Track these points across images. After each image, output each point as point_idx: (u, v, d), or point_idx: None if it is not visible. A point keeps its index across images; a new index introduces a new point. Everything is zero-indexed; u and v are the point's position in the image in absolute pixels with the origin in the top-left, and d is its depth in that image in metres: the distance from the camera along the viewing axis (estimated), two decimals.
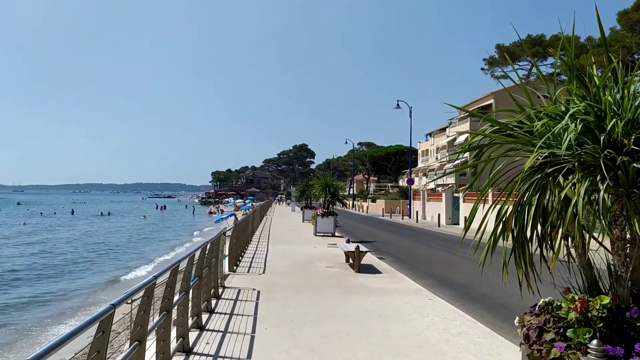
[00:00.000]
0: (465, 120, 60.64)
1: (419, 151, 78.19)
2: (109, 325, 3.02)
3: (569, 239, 3.71)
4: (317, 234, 24.19)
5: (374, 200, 64.45)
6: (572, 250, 3.62)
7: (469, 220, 3.88)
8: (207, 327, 7.34)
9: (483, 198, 3.95)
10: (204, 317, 7.75)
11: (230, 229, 14.29)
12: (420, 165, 76.14)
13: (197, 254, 7.24)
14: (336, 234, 24.43)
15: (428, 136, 77.79)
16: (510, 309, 9.67)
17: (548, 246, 3.79)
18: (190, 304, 7.09)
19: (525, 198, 3.67)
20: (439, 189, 56.52)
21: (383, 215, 49.77)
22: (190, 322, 6.94)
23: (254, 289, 10.44)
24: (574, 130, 3.04)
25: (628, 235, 3.33)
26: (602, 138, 3.05)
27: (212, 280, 8.82)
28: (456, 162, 62.15)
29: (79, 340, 3.21)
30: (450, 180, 59.94)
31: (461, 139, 60.84)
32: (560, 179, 3.28)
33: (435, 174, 65.78)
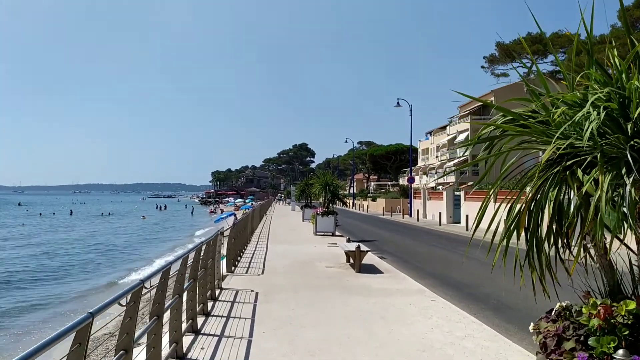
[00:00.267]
0: (466, 119, 60.36)
1: (419, 150, 77.95)
2: (87, 336, 2.75)
3: (587, 238, 3.44)
4: (317, 233, 23.93)
5: (374, 199, 64.19)
6: (592, 251, 3.34)
7: (478, 219, 3.60)
8: (202, 331, 7.06)
9: (493, 194, 3.66)
10: (200, 320, 7.48)
11: (227, 229, 14.01)
12: (420, 163, 75.91)
13: (192, 255, 6.97)
14: (336, 233, 24.17)
15: (428, 135, 77.55)
16: (516, 310, 9.42)
17: (564, 246, 3.52)
18: (185, 307, 6.82)
19: (539, 194, 3.39)
20: (440, 187, 56.29)
21: (383, 214, 49.50)
22: (185, 325, 6.67)
23: (252, 290, 10.16)
24: (597, 118, 2.77)
25: None
26: (627, 127, 2.77)
27: (208, 282, 8.55)
28: (456, 160, 61.88)
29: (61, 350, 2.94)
30: (451, 178, 59.72)
31: (461, 137, 60.62)
32: (579, 172, 3.01)
33: (436, 173, 65.57)
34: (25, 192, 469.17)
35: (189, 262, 6.87)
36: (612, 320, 2.84)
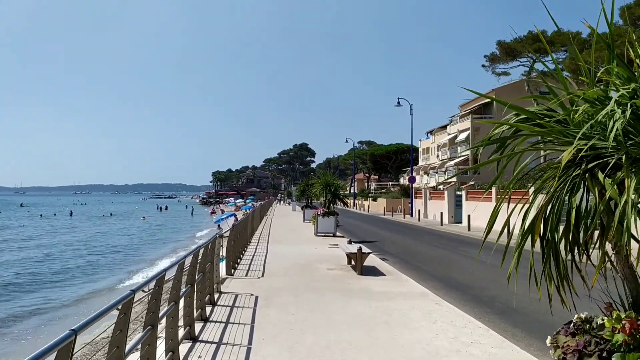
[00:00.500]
0: (467, 118, 60.12)
1: (420, 149, 77.72)
2: (69, 355, 2.53)
3: (606, 245, 3.22)
4: (318, 234, 23.71)
5: (375, 199, 63.94)
6: (613, 258, 3.12)
7: (490, 223, 3.38)
8: (200, 338, 6.84)
9: (506, 197, 3.45)
10: (198, 326, 7.26)
11: (227, 231, 13.79)
12: (421, 163, 75.67)
13: (189, 259, 6.75)
14: (337, 234, 23.95)
15: (429, 134, 77.30)
16: (523, 314, 9.19)
17: (582, 253, 3.29)
18: (182, 313, 6.61)
19: (554, 197, 3.17)
20: (440, 187, 56.04)
21: (384, 214, 49.27)
22: (182, 333, 6.46)
23: (252, 294, 9.94)
24: (622, 117, 2.54)
25: None
26: None
27: (206, 287, 8.32)
28: (457, 159, 61.59)
29: None
30: (452, 178, 59.46)
31: (462, 136, 60.39)
32: (600, 175, 2.79)
33: (437, 172, 65.33)
34: (27, 193, 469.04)
35: (185, 267, 6.65)
36: (638, 336, 2.63)
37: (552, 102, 3.00)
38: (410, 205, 45.72)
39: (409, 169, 63.69)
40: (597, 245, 3.12)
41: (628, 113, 2.57)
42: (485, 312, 9.33)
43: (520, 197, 3.67)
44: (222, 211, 67.44)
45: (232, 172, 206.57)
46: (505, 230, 3.48)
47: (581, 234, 3.17)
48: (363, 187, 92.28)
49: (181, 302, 6.36)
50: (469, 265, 15.83)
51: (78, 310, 16.96)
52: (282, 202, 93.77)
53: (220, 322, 7.79)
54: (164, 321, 5.70)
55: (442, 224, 32.82)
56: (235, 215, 40.29)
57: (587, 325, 3.00)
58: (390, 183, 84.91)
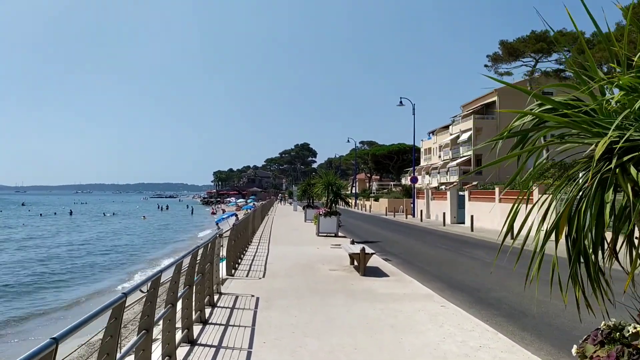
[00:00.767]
0: (469, 118, 59.84)
1: (422, 149, 77.45)
2: None
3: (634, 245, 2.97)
4: (320, 234, 23.46)
5: (376, 199, 63.69)
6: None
7: (509, 224, 3.12)
8: (198, 342, 6.60)
9: (524, 197, 3.20)
10: (196, 329, 7.02)
11: (227, 231, 13.55)
12: (423, 163, 75.38)
13: (187, 260, 6.50)
14: (339, 234, 23.70)
15: (431, 134, 77.00)
16: (530, 317, 8.94)
17: (609, 255, 3.05)
18: (179, 316, 6.36)
19: (579, 194, 2.93)
20: (443, 187, 55.73)
21: (386, 215, 49.01)
22: (179, 336, 6.22)
23: (252, 295, 9.70)
24: None
25: None
26: None
27: (206, 288, 8.08)
28: (459, 160, 61.26)
29: None
30: (454, 178, 59.18)
31: (465, 136, 60.10)
32: (633, 170, 2.54)
33: (439, 173, 65.02)
34: (28, 192, 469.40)
35: (184, 268, 6.41)
36: None
37: (583, 89, 2.75)
38: (412, 205, 45.44)
39: (411, 169, 63.38)
40: (623, 247, 2.87)
41: None
42: (492, 314, 9.08)
43: (523, 197, 3.42)
44: (223, 211, 67.21)
45: (234, 172, 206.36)
46: (524, 231, 3.22)
47: (610, 235, 2.92)
48: (365, 187, 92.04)
49: (179, 304, 6.12)
50: (474, 266, 15.59)
51: (73, 313, 16.69)
52: (283, 202, 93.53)
53: (220, 324, 7.54)
54: (160, 324, 5.47)
55: (444, 225, 32.56)
56: (236, 215, 40.04)
57: (617, 334, 2.75)
58: (392, 183, 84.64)
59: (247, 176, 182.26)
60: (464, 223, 32.62)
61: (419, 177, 63.44)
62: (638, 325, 2.68)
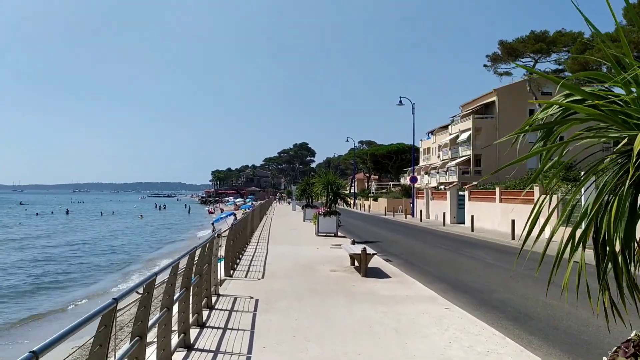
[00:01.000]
0: (468, 118, 59.64)
1: (421, 149, 77.23)
2: None
3: None
4: (319, 234, 23.21)
5: (375, 199, 63.43)
6: None
7: (530, 226, 2.88)
8: (196, 346, 6.34)
9: (548, 197, 2.95)
10: (194, 333, 6.76)
11: (225, 230, 13.29)
12: (421, 163, 75.17)
13: (184, 261, 6.25)
14: (339, 234, 23.45)
15: (430, 134, 76.80)
16: (536, 320, 8.71)
17: (637, 259, 2.81)
18: (176, 319, 6.12)
19: (605, 192, 2.69)
20: (442, 187, 55.51)
21: (385, 214, 48.77)
22: (176, 340, 5.97)
23: (251, 297, 9.44)
24: None
25: None
26: None
27: (204, 290, 7.82)
28: (459, 160, 61.04)
29: None
30: (453, 178, 58.96)
31: (464, 136, 59.86)
32: None
33: (438, 172, 64.80)
34: (25, 191, 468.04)
35: (180, 269, 6.16)
36: None
37: (618, 78, 2.51)
38: (411, 205, 45.20)
39: (410, 168, 63.13)
40: None
41: None
42: (498, 317, 8.84)
43: (547, 194, 3.17)
44: (222, 210, 66.88)
45: (232, 171, 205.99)
46: (534, 232, 2.97)
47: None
48: (363, 187, 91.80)
49: (175, 307, 5.88)
50: (475, 267, 15.36)
51: (66, 315, 16.40)
52: (282, 202, 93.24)
53: (218, 327, 7.28)
54: (156, 328, 5.22)
55: (444, 225, 32.33)
56: (234, 215, 39.76)
57: None
58: (390, 183, 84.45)
59: (246, 175, 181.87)
60: (464, 223, 32.39)
61: (418, 177, 63.20)
62: None
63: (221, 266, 11.56)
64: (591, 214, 2.67)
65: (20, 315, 16.61)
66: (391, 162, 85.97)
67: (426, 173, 69.72)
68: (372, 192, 78.96)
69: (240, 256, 15.26)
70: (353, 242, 15.83)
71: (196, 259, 7.04)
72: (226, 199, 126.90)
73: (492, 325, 7.95)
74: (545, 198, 2.99)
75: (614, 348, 2.77)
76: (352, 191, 78.14)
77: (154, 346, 5.35)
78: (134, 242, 41.16)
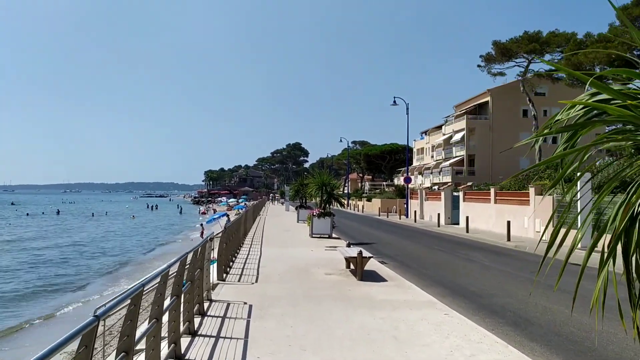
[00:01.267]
0: (462, 118, 59.60)
1: (414, 150, 77.17)
2: None
3: None
4: (313, 236, 22.94)
5: (369, 200, 63.25)
6: None
7: (555, 231, 2.64)
8: (187, 357, 6.05)
9: (571, 199, 2.72)
10: (185, 342, 6.48)
11: (219, 233, 13.00)
12: (415, 163, 75.09)
13: (175, 267, 5.97)
14: (333, 235, 23.19)
15: (423, 134, 76.74)
16: (537, 325, 8.49)
17: None
18: (166, 329, 5.84)
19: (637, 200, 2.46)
20: (435, 187, 55.40)
21: (379, 215, 48.58)
22: (166, 351, 5.69)
23: (245, 303, 9.17)
24: None
25: None
26: None
27: (195, 296, 7.54)
28: (452, 160, 61.01)
29: None
30: (447, 178, 58.88)
31: (457, 136, 59.80)
32: None
33: (431, 173, 64.72)
34: (16, 191, 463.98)
35: (170, 276, 5.88)
36: None
37: None
38: (405, 206, 45.02)
39: (404, 169, 62.94)
40: None
41: None
42: (498, 322, 8.62)
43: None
44: (214, 211, 66.40)
45: (225, 172, 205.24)
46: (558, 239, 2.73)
47: None
48: (357, 187, 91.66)
49: (165, 316, 5.59)
50: (472, 269, 15.15)
51: (52, 323, 15.96)
52: (275, 202, 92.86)
53: (210, 336, 7.00)
54: (144, 341, 4.93)
55: (439, 225, 32.15)
56: (227, 215, 39.38)
57: None
58: (384, 183, 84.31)
59: (239, 176, 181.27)
60: (458, 224, 32.25)
61: (412, 177, 63.11)
62: None
63: (214, 269, 11.28)
64: (620, 228, 2.43)
65: (6, 323, 16.03)
66: (384, 163, 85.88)
67: (420, 173, 69.64)
68: (366, 193, 78.80)
69: (234, 259, 14.97)
70: (348, 245, 15.57)
71: (187, 264, 6.75)
72: (219, 199, 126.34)
73: (492, 332, 7.72)
74: (564, 198, 2.74)
75: None
76: (346, 191, 77.96)
77: (142, 358, 5.07)
78: (125, 244, 40.67)
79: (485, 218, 28.84)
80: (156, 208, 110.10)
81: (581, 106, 2.52)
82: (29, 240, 42.34)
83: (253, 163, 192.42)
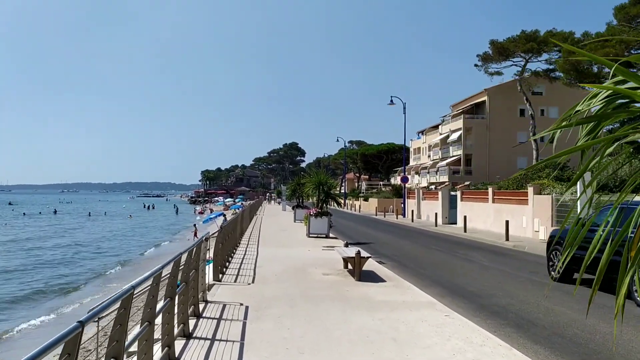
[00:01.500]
0: (459, 117, 59.49)
1: (411, 149, 77.09)
2: None
3: None
4: (310, 235, 22.75)
5: (366, 199, 63.08)
6: None
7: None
8: None
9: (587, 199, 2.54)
10: (179, 344, 6.29)
11: (214, 233, 12.80)
12: (412, 163, 75.01)
13: (168, 268, 5.78)
14: (330, 235, 23.01)
15: (420, 134, 76.66)
16: (540, 327, 8.32)
17: None
18: (160, 332, 5.64)
19: None
20: (432, 187, 55.28)
21: (376, 215, 48.41)
22: (160, 354, 5.50)
23: (241, 304, 8.97)
24: None
25: None
26: None
27: (190, 297, 7.34)
28: (449, 159, 60.94)
29: None
30: (444, 178, 58.79)
31: (454, 136, 59.69)
32: None
33: (428, 172, 64.62)
34: (13, 191, 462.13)
35: (164, 277, 5.69)
36: None
37: None
38: (402, 205, 44.88)
39: (400, 168, 62.81)
40: None
41: None
42: (500, 324, 8.45)
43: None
44: (211, 210, 66.10)
45: (222, 171, 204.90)
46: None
47: None
48: (354, 186, 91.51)
49: (159, 319, 5.41)
50: (471, 269, 14.99)
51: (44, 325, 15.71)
52: (271, 202, 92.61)
53: (206, 339, 6.81)
54: (136, 344, 4.74)
55: (436, 225, 32.01)
56: (224, 215, 39.15)
57: None
58: (381, 183, 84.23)
59: (235, 175, 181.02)
60: (455, 223, 32.10)
61: (408, 177, 63.02)
62: None
63: (209, 269, 11.08)
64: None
65: None
66: (381, 162, 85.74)
67: (416, 173, 69.53)
68: (363, 192, 78.64)
69: (230, 259, 14.77)
70: (346, 245, 15.40)
71: (182, 265, 6.56)
72: (216, 199, 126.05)
73: (494, 334, 7.55)
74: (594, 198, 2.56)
75: None
76: (343, 191, 77.79)
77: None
78: (122, 244, 40.38)
79: (483, 217, 28.71)
80: (153, 208, 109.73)
81: (603, 96, 2.34)
82: (24, 240, 41.99)
83: (250, 163, 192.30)
